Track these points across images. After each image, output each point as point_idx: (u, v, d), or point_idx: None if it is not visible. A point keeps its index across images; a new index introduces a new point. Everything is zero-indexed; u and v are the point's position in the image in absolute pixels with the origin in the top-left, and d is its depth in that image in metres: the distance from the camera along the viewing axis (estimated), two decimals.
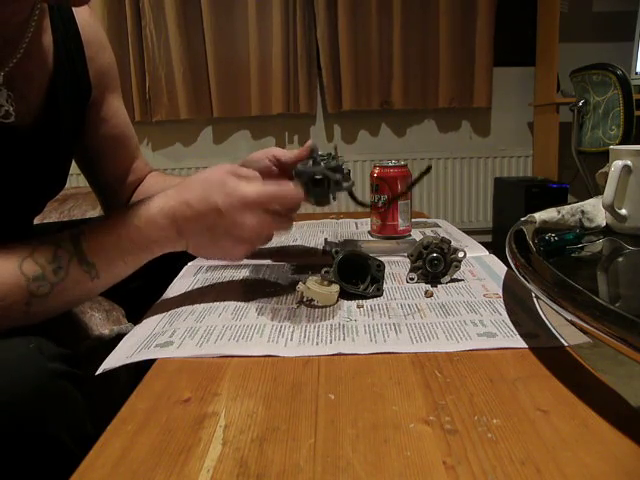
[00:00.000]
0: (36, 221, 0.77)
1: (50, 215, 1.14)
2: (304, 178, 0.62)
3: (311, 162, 0.64)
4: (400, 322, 0.51)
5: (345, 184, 0.64)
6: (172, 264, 0.59)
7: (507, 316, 0.52)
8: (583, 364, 0.43)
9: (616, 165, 0.63)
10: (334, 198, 0.66)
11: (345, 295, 0.58)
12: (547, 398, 0.38)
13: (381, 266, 0.60)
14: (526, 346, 0.45)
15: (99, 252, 0.51)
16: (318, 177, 0.62)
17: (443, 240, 0.62)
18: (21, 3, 0.57)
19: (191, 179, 0.57)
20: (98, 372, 0.44)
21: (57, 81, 0.63)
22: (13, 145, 0.59)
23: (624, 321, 0.36)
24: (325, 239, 0.82)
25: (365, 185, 2.79)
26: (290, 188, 0.55)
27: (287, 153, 0.70)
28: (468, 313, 0.53)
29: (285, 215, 0.57)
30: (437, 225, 0.95)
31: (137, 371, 0.46)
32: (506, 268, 0.66)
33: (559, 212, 0.67)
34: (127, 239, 0.52)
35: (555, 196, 2.44)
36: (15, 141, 0.59)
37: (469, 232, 0.89)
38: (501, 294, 0.58)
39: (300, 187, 0.59)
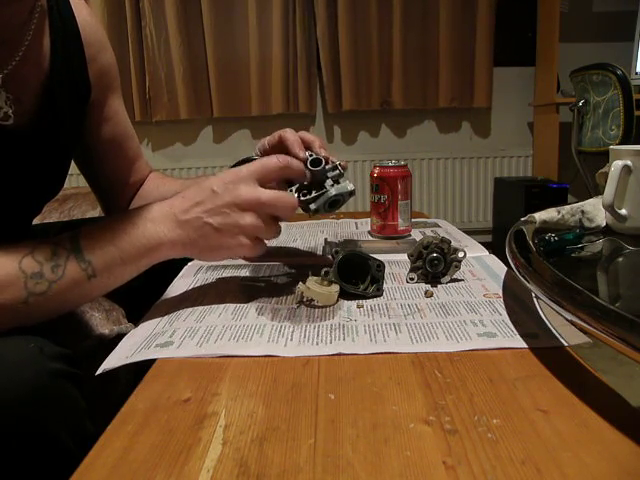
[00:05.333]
0: (36, 221, 0.77)
1: (50, 215, 1.14)
2: (321, 210, 0.61)
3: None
4: (400, 322, 0.51)
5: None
6: (172, 264, 0.59)
7: (507, 316, 0.52)
8: (583, 364, 0.43)
9: (616, 165, 0.63)
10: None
11: (345, 295, 0.58)
12: (547, 398, 0.38)
13: (381, 266, 0.60)
14: (526, 346, 0.45)
15: (96, 249, 0.50)
16: (335, 199, 0.62)
17: (443, 240, 0.62)
18: (21, 4, 0.57)
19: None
20: (98, 372, 0.44)
21: (54, 82, 0.63)
22: (11, 146, 0.59)
23: (624, 321, 0.36)
24: (325, 239, 0.82)
25: (365, 185, 2.79)
26: (276, 160, 0.55)
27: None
28: (468, 313, 0.53)
29: (279, 192, 0.54)
30: (437, 225, 0.95)
31: (137, 371, 0.46)
32: (506, 268, 0.66)
33: (559, 212, 0.67)
34: (123, 235, 0.52)
35: (555, 196, 2.44)
36: (13, 142, 0.59)
37: (469, 232, 0.89)
38: (501, 294, 0.58)
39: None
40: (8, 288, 0.46)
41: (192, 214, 0.53)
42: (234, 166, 0.67)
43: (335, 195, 0.61)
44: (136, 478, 0.31)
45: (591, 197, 0.71)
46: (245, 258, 0.74)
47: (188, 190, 0.56)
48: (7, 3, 0.55)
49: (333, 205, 0.62)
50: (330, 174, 0.62)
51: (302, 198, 0.62)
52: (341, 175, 0.63)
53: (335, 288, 0.56)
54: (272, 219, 0.54)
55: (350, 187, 0.62)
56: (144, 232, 0.53)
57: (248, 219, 0.52)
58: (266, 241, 0.56)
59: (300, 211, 0.65)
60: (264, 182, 0.54)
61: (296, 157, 0.62)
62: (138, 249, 0.52)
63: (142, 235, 0.53)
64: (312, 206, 0.61)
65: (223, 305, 0.57)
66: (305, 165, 0.61)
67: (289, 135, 0.64)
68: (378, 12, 2.65)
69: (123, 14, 2.57)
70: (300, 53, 2.66)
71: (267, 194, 0.53)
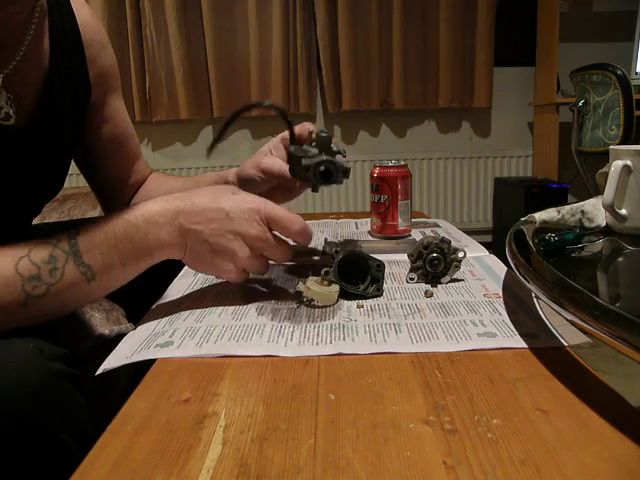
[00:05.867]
0: (36, 221, 0.77)
1: (50, 215, 1.14)
2: (312, 170, 0.58)
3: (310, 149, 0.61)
4: (400, 322, 0.51)
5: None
6: (172, 264, 0.59)
7: (507, 316, 0.52)
8: (583, 364, 0.43)
9: (616, 165, 0.63)
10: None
11: (345, 295, 0.58)
12: (547, 398, 0.38)
13: (381, 266, 0.60)
14: (526, 346, 0.45)
15: (95, 253, 0.50)
16: (325, 167, 0.58)
17: (443, 240, 0.62)
18: (21, 3, 0.57)
19: (200, 188, 0.57)
20: (98, 372, 0.44)
21: (53, 83, 0.63)
22: (11, 146, 0.59)
23: (624, 321, 0.36)
24: (325, 239, 0.82)
25: (365, 185, 2.79)
26: (297, 218, 0.55)
27: (275, 163, 0.67)
28: (468, 313, 0.53)
29: (283, 243, 0.56)
30: (437, 225, 0.95)
31: (137, 371, 0.46)
32: (506, 268, 0.66)
33: (559, 212, 0.67)
34: (124, 239, 0.51)
35: (555, 196, 2.44)
36: (13, 142, 0.59)
37: (469, 232, 0.89)
38: (501, 294, 0.58)
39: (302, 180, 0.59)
40: (6, 290, 0.46)
41: (197, 226, 0.53)
42: (237, 112, 0.64)
43: (329, 161, 0.59)
44: (136, 478, 0.31)
45: (591, 197, 0.71)
46: None
47: (199, 197, 0.54)
48: (7, 3, 0.55)
49: (325, 176, 0.59)
50: (334, 150, 0.62)
51: (297, 154, 0.60)
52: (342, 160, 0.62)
53: (335, 288, 0.56)
54: (265, 257, 0.56)
55: (347, 164, 0.61)
56: (146, 237, 0.52)
57: (246, 252, 0.53)
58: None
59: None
60: (271, 227, 0.55)
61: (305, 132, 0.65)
62: (139, 253, 0.52)
63: (144, 239, 0.52)
64: (304, 161, 0.59)
65: (223, 305, 0.57)
66: (314, 135, 0.62)
67: (308, 125, 0.68)
68: (378, 12, 2.65)
69: (123, 14, 2.57)
70: (300, 53, 2.66)
71: (272, 239, 0.54)
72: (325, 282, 0.56)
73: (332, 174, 0.59)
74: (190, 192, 0.55)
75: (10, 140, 0.58)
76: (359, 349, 0.46)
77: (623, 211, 0.64)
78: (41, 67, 0.62)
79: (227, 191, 0.56)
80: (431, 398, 0.38)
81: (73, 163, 0.75)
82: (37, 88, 0.61)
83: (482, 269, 0.68)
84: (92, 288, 0.50)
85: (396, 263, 0.72)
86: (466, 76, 2.75)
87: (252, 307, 0.56)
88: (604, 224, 0.68)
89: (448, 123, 2.90)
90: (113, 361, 0.45)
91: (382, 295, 0.59)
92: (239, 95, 2.69)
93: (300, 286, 0.55)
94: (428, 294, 0.59)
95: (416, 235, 0.87)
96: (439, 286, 0.62)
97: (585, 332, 0.43)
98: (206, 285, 0.65)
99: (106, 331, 0.64)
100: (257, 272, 0.57)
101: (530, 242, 0.59)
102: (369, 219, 0.89)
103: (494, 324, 0.50)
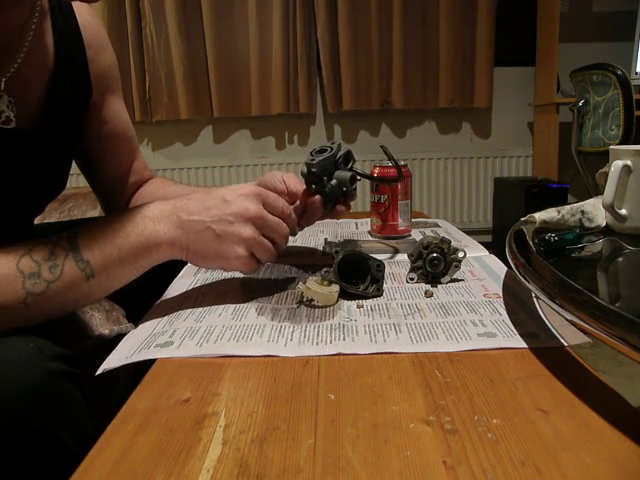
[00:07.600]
0: (36, 221, 0.77)
1: (50, 215, 1.14)
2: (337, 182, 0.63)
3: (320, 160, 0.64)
4: (400, 322, 0.51)
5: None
6: (172, 264, 0.59)
7: (507, 316, 0.52)
8: (583, 364, 0.43)
9: (616, 165, 0.63)
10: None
11: (345, 295, 0.58)
12: (547, 398, 0.38)
13: (381, 266, 0.60)
14: (526, 346, 0.45)
15: (94, 249, 0.50)
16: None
17: (443, 240, 0.62)
18: (19, 7, 0.57)
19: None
20: (98, 372, 0.44)
21: (57, 83, 0.63)
22: (13, 148, 0.59)
23: (624, 321, 0.36)
24: (325, 239, 0.82)
25: (365, 185, 2.79)
26: (285, 203, 0.59)
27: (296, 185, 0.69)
28: (468, 313, 0.53)
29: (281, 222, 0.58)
30: (437, 225, 0.95)
31: (137, 371, 0.46)
32: (506, 268, 0.66)
33: (559, 212, 0.67)
34: (122, 234, 0.51)
35: (555, 196, 2.44)
36: (15, 144, 0.59)
37: (469, 232, 0.89)
38: (501, 294, 0.58)
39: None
40: (7, 288, 0.46)
41: (196, 216, 0.54)
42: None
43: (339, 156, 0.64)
44: (136, 478, 0.31)
45: (591, 197, 0.71)
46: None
47: (195, 194, 0.57)
48: (4, 8, 0.54)
49: (346, 160, 0.65)
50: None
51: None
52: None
53: (335, 288, 0.56)
54: (269, 241, 0.57)
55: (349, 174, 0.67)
56: (143, 231, 0.53)
57: (250, 231, 0.55)
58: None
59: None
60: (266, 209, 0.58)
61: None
62: (137, 248, 0.52)
63: (141, 234, 0.52)
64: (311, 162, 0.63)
65: (223, 305, 0.57)
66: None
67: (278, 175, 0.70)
68: (378, 12, 2.65)
69: (123, 14, 2.57)
70: (300, 53, 2.66)
71: (270, 218, 0.57)
72: (325, 282, 0.56)
73: (351, 157, 0.66)
74: (182, 196, 0.57)
75: (11, 142, 0.58)
76: (359, 349, 0.46)
77: (623, 211, 0.64)
78: (45, 68, 0.62)
79: (218, 188, 0.59)
80: (431, 398, 0.38)
81: (73, 163, 0.75)
82: (41, 89, 0.61)
83: (482, 269, 0.68)
84: (91, 286, 0.50)
85: (396, 263, 0.72)
86: (466, 76, 2.75)
87: (252, 307, 0.56)
88: (604, 224, 0.68)
89: (448, 123, 2.90)
90: (113, 361, 0.46)
91: (382, 295, 0.59)
92: (239, 95, 2.69)
93: (300, 286, 0.55)
94: (428, 294, 0.59)
95: (416, 235, 0.87)
96: (439, 286, 0.62)
97: (585, 332, 0.43)
98: (206, 285, 0.65)
99: (106, 331, 0.64)
100: (265, 255, 0.57)
101: (530, 242, 0.59)
102: (369, 219, 0.89)
103: (494, 324, 0.50)
